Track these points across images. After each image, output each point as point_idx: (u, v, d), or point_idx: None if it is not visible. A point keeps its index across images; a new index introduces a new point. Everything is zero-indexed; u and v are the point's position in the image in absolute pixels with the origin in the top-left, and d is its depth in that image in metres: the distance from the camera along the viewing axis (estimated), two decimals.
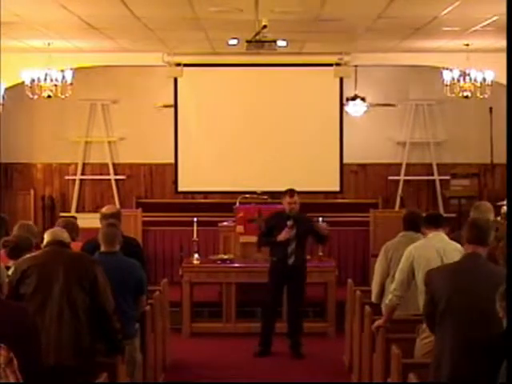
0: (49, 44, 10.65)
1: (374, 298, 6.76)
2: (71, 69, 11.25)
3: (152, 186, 14.11)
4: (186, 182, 13.17)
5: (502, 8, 6.29)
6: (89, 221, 7.23)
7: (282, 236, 8.23)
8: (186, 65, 12.40)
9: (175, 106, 13.02)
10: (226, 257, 9.83)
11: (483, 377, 3.16)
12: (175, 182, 13.28)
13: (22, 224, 6.62)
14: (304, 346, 8.52)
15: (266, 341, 8.46)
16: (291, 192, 8.38)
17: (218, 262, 9.68)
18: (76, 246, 6.29)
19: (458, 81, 11.17)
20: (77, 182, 13.97)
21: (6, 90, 11.27)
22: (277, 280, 8.43)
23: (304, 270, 8.51)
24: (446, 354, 4.44)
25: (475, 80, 11.09)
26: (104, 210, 7.11)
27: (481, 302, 4.40)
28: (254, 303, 9.32)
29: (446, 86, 11.30)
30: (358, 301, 7.30)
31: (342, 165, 13.04)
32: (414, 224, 6.68)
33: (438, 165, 13.84)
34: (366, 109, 13.60)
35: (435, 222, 6.12)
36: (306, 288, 8.59)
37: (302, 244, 8.43)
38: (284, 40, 10.25)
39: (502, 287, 3.65)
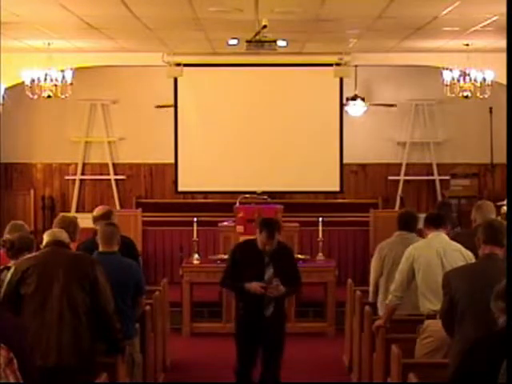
0: (49, 44, 10.65)
1: (370, 297, 6.88)
2: (71, 69, 11.24)
3: (152, 186, 14.11)
4: (186, 182, 13.17)
5: (502, 8, 6.30)
6: (89, 221, 7.22)
7: (253, 288, 6.24)
8: (186, 65, 12.39)
9: (175, 106, 13.01)
10: (225, 257, 9.80)
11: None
12: (175, 182, 13.28)
13: (13, 224, 6.50)
14: (306, 347, 8.48)
15: None
16: (271, 228, 6.23)
17: (218, 261, 9.66)
18: (74, 247, 6.23)
19: (458, 81, 11.17)
20: (77, 182, 13.97)
21: (6, 89, 11.26)
22: (248, 338, 6.47)
23: (283, 323, 6.59)
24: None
25: (475, 80, 11.09)
26: (94, 212, 6.90)
27: None
28: None
29: (446, 86, 11.30)
30: (358, 301, 7.30)
31: (342, 165, 13.03)
32: (408, 224, 6.73)
33: (437, 165, 13.84)
34: (365, 109, 13.59)
35: (435, 222, 6.11)
36: (284, 346, 6.57)
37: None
38: (284, 40, 10.25)
39: (499, 286, 3.62)
